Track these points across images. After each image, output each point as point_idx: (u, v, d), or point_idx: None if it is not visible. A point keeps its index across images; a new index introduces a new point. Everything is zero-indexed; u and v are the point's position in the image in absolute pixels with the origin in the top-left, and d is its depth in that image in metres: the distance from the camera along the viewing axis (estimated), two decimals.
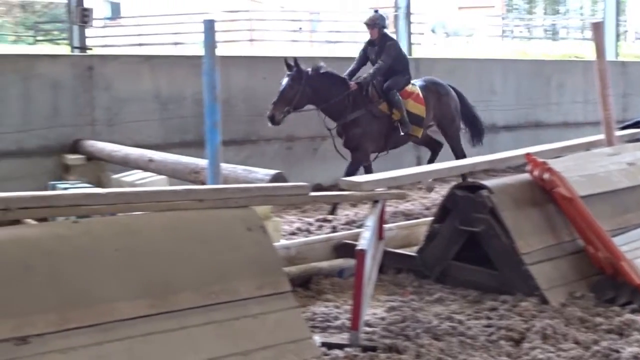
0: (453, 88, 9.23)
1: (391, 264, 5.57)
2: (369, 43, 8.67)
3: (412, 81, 8.83)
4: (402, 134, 8.55)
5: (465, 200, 5.12)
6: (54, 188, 6.96)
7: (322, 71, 8.30)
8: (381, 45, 8.53)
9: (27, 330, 3.10)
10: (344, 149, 8.47)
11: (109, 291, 3.38)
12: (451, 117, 9.13)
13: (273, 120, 8.00)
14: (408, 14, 11.81)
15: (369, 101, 8.48)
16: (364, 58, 8.73)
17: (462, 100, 9.30)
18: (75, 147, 8.24)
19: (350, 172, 8.06)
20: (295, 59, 8.14)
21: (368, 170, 8.30)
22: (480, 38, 31.63)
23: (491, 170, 9.59)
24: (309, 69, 8.20)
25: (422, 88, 8.86)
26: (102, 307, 3.32)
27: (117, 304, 3.36)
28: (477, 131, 9.48)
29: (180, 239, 3.78)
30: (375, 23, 8.55)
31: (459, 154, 9.06)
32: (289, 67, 8.13)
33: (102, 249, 3.51)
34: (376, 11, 8.97)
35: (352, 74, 8.62)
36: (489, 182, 5.31)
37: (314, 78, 8.20)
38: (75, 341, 3.17)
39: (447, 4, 38.72)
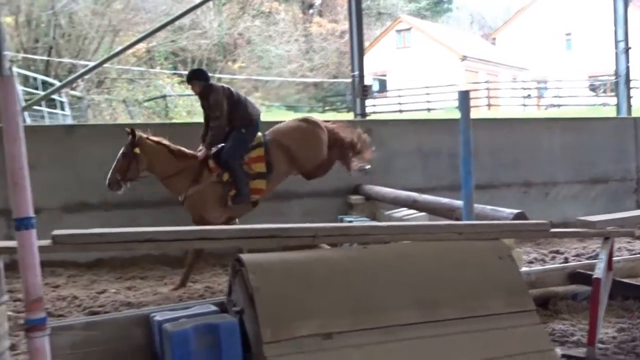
0: None
1: (619, 291, 5.12)
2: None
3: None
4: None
5: None
6: (342, 221, 7.22)
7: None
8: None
9: (330, 328, 3.19)
10: None
11: (390, 302, 3.40)
12: None
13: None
14: (627, 80, 10.94)
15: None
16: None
17: None
18: (357, 190, 8.51)
19: None
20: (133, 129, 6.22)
21: None
22: None
23: None
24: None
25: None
26: (385, 314, 3.34)
27: (396, 312, 3.37)
28: None
29: (444, 264, 3.72)
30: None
31: None
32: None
33: (384, 269, 3.55)
34: None
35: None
36: None
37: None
38: (366, 339, 3.21)
39: None
